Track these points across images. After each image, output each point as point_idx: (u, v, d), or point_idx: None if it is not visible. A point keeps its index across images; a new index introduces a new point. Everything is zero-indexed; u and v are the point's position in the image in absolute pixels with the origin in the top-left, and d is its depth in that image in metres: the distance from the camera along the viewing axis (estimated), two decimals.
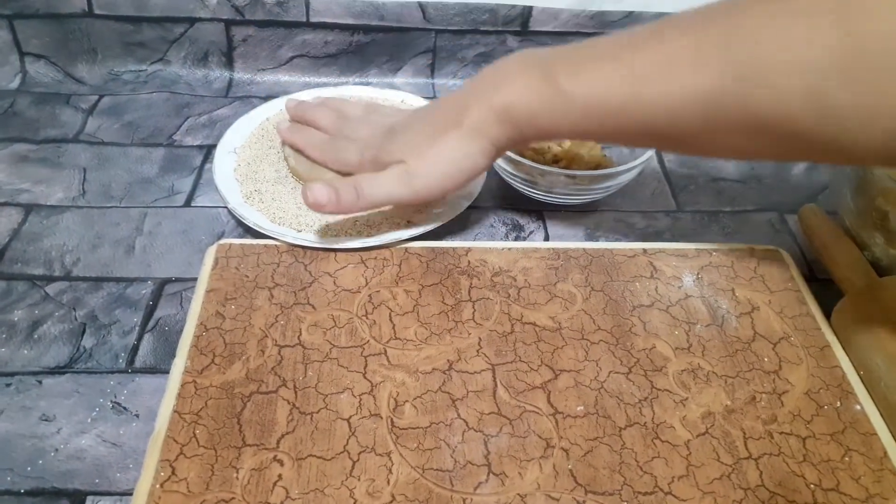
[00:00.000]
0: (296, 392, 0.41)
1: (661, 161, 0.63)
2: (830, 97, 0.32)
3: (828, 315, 0.47)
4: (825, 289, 0.50)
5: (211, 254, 0.49)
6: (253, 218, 0.51)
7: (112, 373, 0.44)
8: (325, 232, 0.50)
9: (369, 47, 0.69)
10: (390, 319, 0.45)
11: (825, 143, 0.34)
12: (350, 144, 0.51)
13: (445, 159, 0.45)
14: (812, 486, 0.38)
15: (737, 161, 0.63)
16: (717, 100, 0.35)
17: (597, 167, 0.56)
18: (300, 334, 0.44)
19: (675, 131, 0.38)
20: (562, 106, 0.41)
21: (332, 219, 0.51)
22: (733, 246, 0.52)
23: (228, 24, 0.68)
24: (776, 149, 0.37)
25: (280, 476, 0.37)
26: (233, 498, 0.36)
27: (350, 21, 0.67)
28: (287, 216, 0.51)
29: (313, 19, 0.67)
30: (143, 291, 0.49)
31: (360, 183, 0.47)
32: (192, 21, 0.67)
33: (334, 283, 0.48)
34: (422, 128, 0.47)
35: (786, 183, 0.62)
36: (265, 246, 0.50)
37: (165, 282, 0.50)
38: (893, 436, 0.40)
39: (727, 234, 0.56)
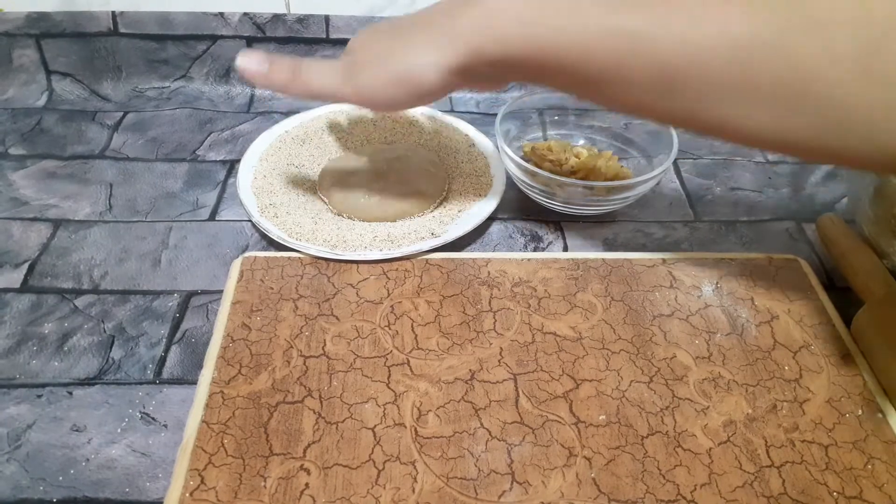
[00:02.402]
0: (321, 402, 0.42)
1: (678, 172, 0.64)
2: (884, 55, 0.28)
3: (848, 323, 0.47)
4: (844, 297, 0.50)
5: (236, 266, 0.50)
6: (276, 231, 0.51)
7: (140, 384, 0.45)
8: (347, 244, 0.51)
9: None
10: (412, 330, 0.46)
11: (865, 116, 0.29)
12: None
13: (396, 61, 0.39)
14: (835, 493, 0.38)
15: (751, 150, 0.63)
16: (755, 52, 0.30)
17: (614, 178, 0.57)
18: (324, 345, 0.45)
19: (689, 85, 0.32)
20: (550, 33, 0.34)
21: (349, 232, 0.52)
22: (751, 255, 0.53)
23: (250, 40, 0.69)
24: (803, 126, 0.31)
25: (307, 485, 0.37)
26: None
27: None
28: (303, 231, 0.52)
29: (333, 35, 0.68)
30: (170, 304, 0.50)
31: (301, 64, 0.42)
32: (215, 38, 0.69)
33: (357, 294, 0.48)
34: (391, 27, 0.41)
35: (803, 193, 0.62)
36: (289, 258, 0.51)
37: (191, 294, 0.51)
38: None
39: (745, 243, 0.56)
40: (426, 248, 0.51)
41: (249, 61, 0.43)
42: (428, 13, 0.39)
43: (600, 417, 0.41)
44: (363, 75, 0.41)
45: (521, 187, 0.58)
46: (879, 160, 0.31)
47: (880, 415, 0.42)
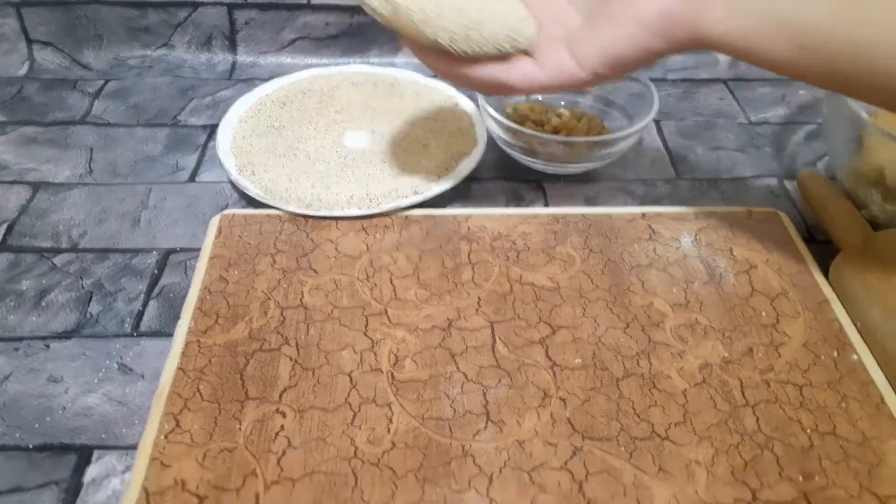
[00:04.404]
0: (298, 349, 0.42)
1: (660, 132, 0.64)
2: None
3: (826, 273, 0.47)
4: (824, 249, 0.50)
5: (214, 223, 0.50)
6: (254, 189, 0.51)
7: (118, 336, 0.45)
8: (324, 203, 0.51)
9: (370, 28, 0.70)
10: (391, 282, 0.46)
11: None
12: None
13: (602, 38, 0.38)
14: (809, 430, 0.38)
15: (733, 112, 0.63)
16: None
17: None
18: (302, 297, 0.45)
19: None
20: (760, 25, 0.34)
21: (326, 191, 0.52)
22: (732, 209, 0.53)
23: (231, 7, 0.69)
24: None
25: (282, 427, 0.37)
26: (235, 447, 0.36)
27: (350, 2, 0.67)
28: (281, 189, 0.51)
29: (314, 1, 0.68)
30: (149, 261, 0.50)
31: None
32: (196, 5, 0.68)
33: (336, 248, 0.48)
34: None
35: (785, 153, 0.62)
36: (267, 216, 0.51)
37: (170, 252, 0.50)
38: (890, 383, 0.40)
39: (726, 199, 0.56)
40: (405, 204, 0.51)
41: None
42: None
43: (576, 361, 0.41)
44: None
45: (503, 147, 0.58)
46: None
47: (856, 357, 0.42)
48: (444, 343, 0.42)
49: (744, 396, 0.39)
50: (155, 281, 0.48)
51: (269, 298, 0.44)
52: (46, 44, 0.70)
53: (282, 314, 0.43)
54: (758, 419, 0.38)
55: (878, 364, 0.41)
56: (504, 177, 0.58)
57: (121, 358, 0.43)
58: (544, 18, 0.41)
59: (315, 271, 0.46)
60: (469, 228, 0.50)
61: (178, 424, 0.37)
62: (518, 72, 0.40)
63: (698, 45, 0.36)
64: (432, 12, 0.37)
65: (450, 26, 0.38)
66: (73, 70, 0.70)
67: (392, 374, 0.40)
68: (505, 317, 0.44)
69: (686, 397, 0.39)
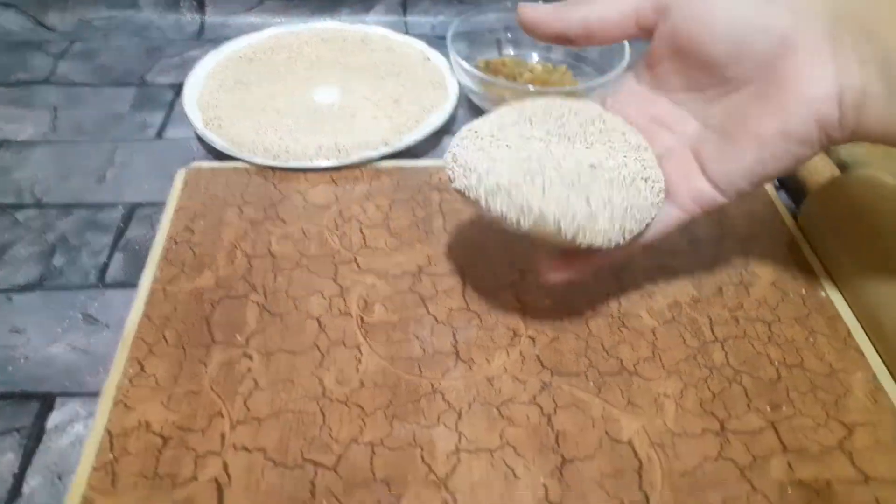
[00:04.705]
0: (265, 296, 0.41)
1: None
2: None
3: (795, 217, 0.48)
4: (793, 193, 0.50)
5: (180, 176, 0.50)
6: (220, 142, 0.51)
7: (82, 288, 0.44)
8: (292, 154, 0.50)
9: None
10: (360, 231, 0.46)
11: None
12: None
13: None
14: (776, 363, 0.38)
15: None
16: None
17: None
18: (270, 245, 0.44)
19: None
20: None
21: (294, 143, 0.51)
22: None
23: None
24: None
25: (249, 369, 0.37)
26: (201, 390, 0.36)
27: None
28: (248, 141, 0.51)
29: None
30: (114, 216, 0.49)
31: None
32: None
33: (304, 199, 0.48)
34: None
35: None
36: (234, 168, 0.50)
37: (136, 206, 0.50)
38: (857, 317, 0.40)
39: None
40: (376, 156, 0.50)
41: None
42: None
43: (545, 302, 0.41)
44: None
45: (476, 101, 0.57)
46: None
47: (823, 293, 0.42)
48: (414, 288, 0.42)
49: (713, 333, 0.39)
50: (120, 234, 0.47)
51: (235, 248, 0.44)
52: (8, 5, 0.68)
53: (249, 263, 0.43)
54: (727, 354, 0.38)
55: (847, 302, 0.41)
56: None
57: (85, 309, 0.43)
58: (657, 136, 0.35)
59: (283, 221, 0.46)
60: (440, 179, 0.50)
61: (142, 369, 0.37)
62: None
63: (853, 140, 0.31)
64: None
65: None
66: (38, 32, 0.68)
67: (361, 317, 0.40)
68: (476, 263, 0.43)
69: (655, 335, 0.39)
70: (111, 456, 0.33)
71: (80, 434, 0.36)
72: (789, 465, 0.33)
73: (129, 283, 0.44)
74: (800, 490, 0.33)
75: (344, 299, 0.41)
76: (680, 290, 0.42)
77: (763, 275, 0.43)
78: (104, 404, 0.35)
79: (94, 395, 0.38)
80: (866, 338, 0.39)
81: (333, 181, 0.49)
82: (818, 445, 0.34)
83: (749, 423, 0.35)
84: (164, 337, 0.38)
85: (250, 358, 0.38)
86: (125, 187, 0.51)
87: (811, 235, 0.45)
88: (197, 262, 0.43)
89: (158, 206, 0.49)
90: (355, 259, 0.43)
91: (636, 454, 0.34)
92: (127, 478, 0.32)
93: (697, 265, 0.44)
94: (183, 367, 0.37)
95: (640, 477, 0.33)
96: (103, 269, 0.45)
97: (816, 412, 0.36)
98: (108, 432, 0.34)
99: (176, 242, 0.44)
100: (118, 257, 0.46)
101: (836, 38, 0.29)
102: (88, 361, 0.40)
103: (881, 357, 0.38)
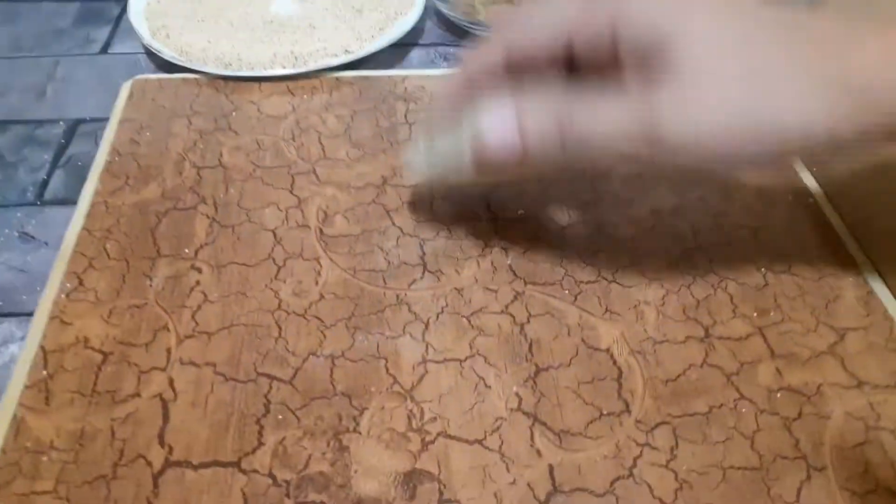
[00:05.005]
0: (216, 208, 0.38)
1: None
2: None
3: None
4: None
5: (126, 88, 0.46)
6: (168, 52, 0.47)
7: (19, 206, 0.40)
8: (246, 61, 0.46)
9: None
10: (319, 142, 0.42)
11: None
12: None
13: (758, 108, 0.25)
14: (763, 269, 0.36)
15: None
16: None
17: None
18: (221, 157, 0.41)
19: None
20: None
21: (247, 50, 0.47)
22: None
23: None
24: None
25: (198, 282, 0.34)
26: (145, 304, 0.33)
27: None
28: (194, 51, 0.47)
29: None
30: (55, 132, 0.45)
31: (572, 110, 0.27)
32: None
33: (258, 110, 0.44)
34: (740, 35, 0.25)
35: None
36: (184, 80, 0.47)
37: (79, 122, 0.46)
38: (846, 223, 0.38)
39: None
40: (336, 64, 0.47)
41: (496, 137, 0.28)
42: (805, 30, 0.25)
43: (519, 212, 0.38)
44: (692, 119, 0.25)
45: (443, 9, 0.53)
46: None
47: (811, 199, 0.40)
48: (378, 199, 0.39)
49: (695, 240, 0.37)
50: (61, 150, 0.44)
51: (184, 159, 0.41)
52: None
53: (198, 174, 0.40)
54: (711, 260, 0.36)
55: (835, 208, 0.39)
56: (445, 42, 0.54)
57: (22, 227, 0.39)
58: None
59: (235, 132, 0.43)
60: (406, 89, 0.46)
61: (81, 283, 0.34)
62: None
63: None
64: None
65: None
66: None
67: (321, 229, 0.37)
68: None
69: (634, 242, 0.37)
70: (45, 373, 0.30)
71: (14, 355, 0.33)
72: (778, 371, 0.31)
73: (71, 200, 0.41)
74: (789, 395, 0.31)
75: (302, 211, 0.38)
76: (660, 197, 0.39)
77: (749, 182, 0.41)
78: (38, 320, 0.32)
79: (31, 315, 0.35)
80: (855, 243, 0.37)
81: (290, 91, 0.46)
82: (808, 351, 0.32)
83: (735, 328, 0.33)
84: (105, 250, 0.35)
85: (199, 271, 0.35)
86: (67, 103, 0.47)
87: None
88: (142, 175, 0.39)
89: (103, 122, 0.46)
90: (314, 170, 0.40)
91: (615, 362, 0.32)
92: (62, 395, 0.29)
93: (679, 176, 0.41)
94: (126, 281, 0.34)
95: (620, 385, 0.31)
96: (42, 186, 0.42)
97: (805, 317, 0.34)
98: (42, 349, 0.31)
99: (119, 155, 0.41)
100: (59, 174, 0.42)
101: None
102: (25, 280, 0.37)
103: (871, 261, 0.36)
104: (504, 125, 0.27)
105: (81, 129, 0.45)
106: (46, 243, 0.38)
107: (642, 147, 0.25)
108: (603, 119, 0.26)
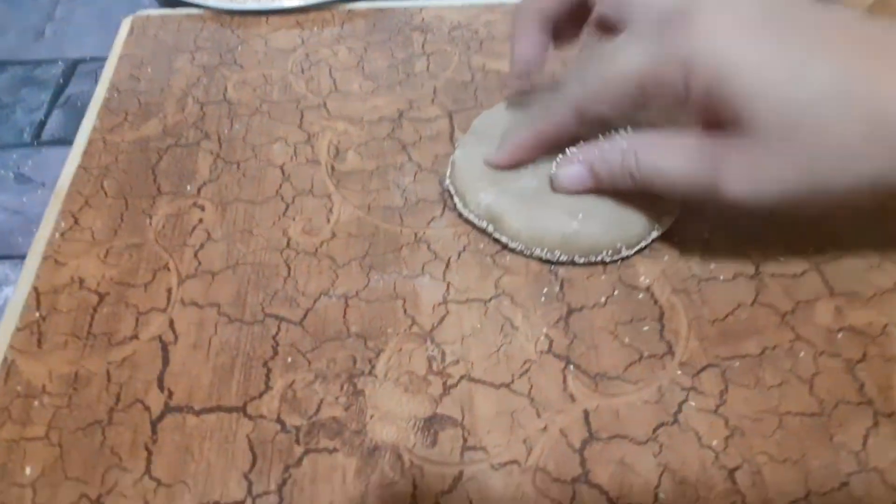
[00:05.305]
0: (220, 143, 0.35)
1: None
2: None
3: None
4: None
5: (126, 24, 0.43)
6: None
7: (15, 147, 0.38)
8: None
9: None
10: (330, 75, 0.39)
11: None
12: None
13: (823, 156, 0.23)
14: None
15: None
16: None
17: None
18: (226, 91, 0.38)
19: None
20: None
21: None
22: None
23: None
24: None
25: (200, 220, 0.32)
26: (144, 243, 0.31)
27: None
28: None
29: None
30: (53, 71, 0.43)
31: (635, 148, 0.27)
32: None
33: (265, 44, 0.41)
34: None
35: None
36: (187, 15, 0.44)
37: (79, 62, 0.43)
38: None
39: None
40: None
41: (569, 178, 0.29)
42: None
43: None
44: (756, 185, 0.24)
45: None
46: None
47: None
48: (393, 134, 0.36)
49: None
50: (60, 90, 0.41)
51: (186, 95, 0.38)
52: None
53: (201, 110, 0.37)
54: None
55: None
56: None
57: (18, 168, 0.37)
58: None
59: (241, 66, 0.40)
60: (423, 20, 0.43)
61: (76, 222, 0.31)
62: None
63: None
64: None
65: None
66: None
67: (332, 165, 0.34)
68: (466, 105, 0.38)
69: None
70: (38, 315, 0.28)
71: (9, 297, 0.31)
72: (838, 310, 0.28)
73: (69, 140, 0.38)
74: (851, 336, 0.28)
75: (311, 146, 0.35)
76: None
77: None
78: (31, 260, 0.30)
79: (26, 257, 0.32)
80: None
81: (299, 25, 0.43)
82: (872, 288, 0.29)
83: (789, 265, 0.30)
84: (102, 188, 0.33)
85: (202, 209, 0.32)
86: (66, 43, 0.45)
87: None
88: (142, 111, 0.37)
89: (103, 61, 0.43)
90: (324, 104, 0.37)
91: (656, 301, 0.29)
92: (55, 337, 0.27)
93: None
94: (124, 220, 0.32)
95: (662, 325, 0.28)
96: (40, 126, 0.39)
97: (868, 252, 0.30)
98: (35, 290, 0.29)
99: (118, 91, 0.38)
100: (57, 114, 0.40)
101: None
102: (21, 222, 0.34)
103: None
104: (576, 172, 0.29)
105: (81, 68, 0.43)
106: (43, 184, 0.36)
107: (704, 194, 0.25)
108: (667, 164, 0.26)
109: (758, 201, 0.24)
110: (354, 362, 0.26)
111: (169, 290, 0.29)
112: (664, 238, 0.31)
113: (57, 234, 0.31)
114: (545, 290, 0.29)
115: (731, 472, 0.24)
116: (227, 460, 0.24)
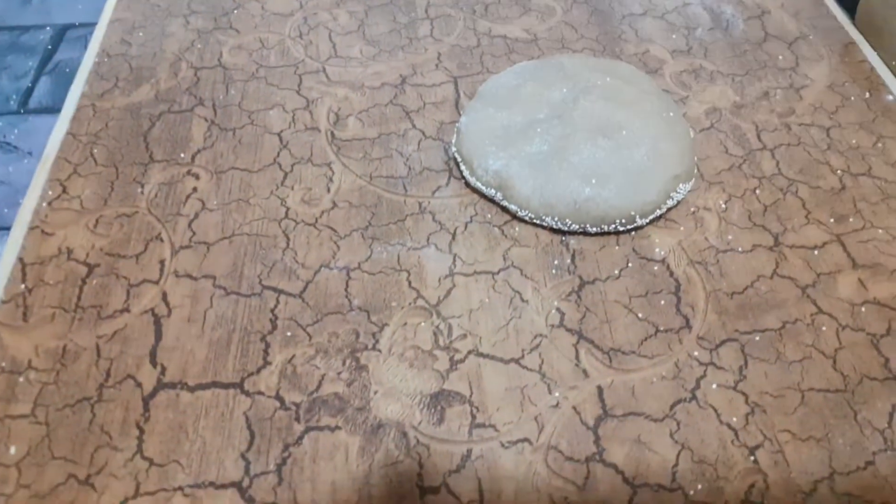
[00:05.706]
0: (215, 110, 0.34)
1: None
2: None
3: (852, 16, 0.40)
4: None
5: None
6: None
7: (1, 115, 0.36)
8: None
9: None
10: (330, 39, 0.38)
11: None
12: None
13: None
14: (839, 171, 0.31)
15: None
16: None
17: None
18: (221, 56, 0.37)
19: None
20: None
21: None
22: None
23: None
24: None
25: (195, 189, 0.30)
26: (136, 212, 0.29)
27: None
28: None
29: None
30: (41, 37, 0.41)
31: None
32: None
33: (262, 7, 0.40)
34: None
35: None
36: None
37: (68, 27, 0.42)
38: None
39: None
40: None
41: None
42: None
43: None
44: None
45: None
46: None
47: (890, 97, 0.35)
48: (396, 100, 0.35)
49: (760, 140, 0.32)
50: (48, 57, 0.40)
51: (180, 60, 0.36)
52: None
53: (195, 75, 0.35)
54: (778, 163, 0.31)
55: None
56: None
57: (4, 136, 0.35)
58: None
59: (237, 31, 0.38)
60: None
61: (64, 191, 0.30)
62: None
63: None
64: None
65: None
66: None
67: (332, 132, 0.33)
68: (471, 70, 0.36)
69: (693, 140, 0.32)
70: (23, 287, 0.27)
71: None
72: (861, 283, 0.27)
73: (57, 108, 0.37)
74: (876, 309, 0.26)
75: (310, 113, 0.34)
76: (718, 94, 0.35)
77: (816, 77, 0.36)
78: (17, 230, 0.29)
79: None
80: None
81: None
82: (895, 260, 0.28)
83: (809, 236, 0.29)
84: (91, 155, 0.31)
85: (196, 177, 0.31)
86: (55, 8, 0.43)
87: (873, 31, 0.38)
88: (134, 76, 0.35)
89: (92, 26, 0.41)
90: (324, 69, 0.36)
91: (672, 273, 0.27)
92: (42, 310, 0.26)
93: (737, 67, 0.36)
94: (114, 189, 0.30)
95: (679, 298, 0.27)
96: (27, 93, 0.38)
97: (890, 223, 0.29)
98: (21, 261, 0.27)
99: (109, 56, 0.36)
100: (45, 81, 0.38)
101: None
102: (6, 192, 0.33)
103: None
104: None
105: (70, 34, 0.41)
106: (30, 153, 0.35)
107: None
108: None
109: None
110: (357, 336, 0.25)
111: (162, 262, 0.28)
112: (680, 207, 0.29)
113: (44, 204, 0.29)
114: (556, 261, 0.28)
115: (752, 450, 0.23)
116: (223, 439, 0.23)
